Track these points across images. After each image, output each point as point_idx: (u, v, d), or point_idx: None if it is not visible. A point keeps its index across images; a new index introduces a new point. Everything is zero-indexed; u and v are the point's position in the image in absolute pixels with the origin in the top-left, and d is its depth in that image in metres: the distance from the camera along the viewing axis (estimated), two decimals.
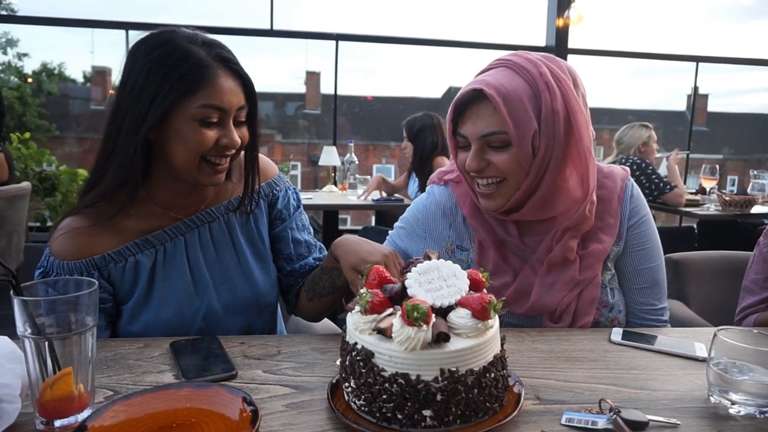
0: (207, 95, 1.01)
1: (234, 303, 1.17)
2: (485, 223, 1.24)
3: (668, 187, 3.66)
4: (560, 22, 5.22)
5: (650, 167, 3.71)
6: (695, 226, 4.22)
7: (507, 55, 1.17)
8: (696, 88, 6.52)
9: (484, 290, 0.82)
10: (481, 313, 0.74)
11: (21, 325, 0.71)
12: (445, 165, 4.22)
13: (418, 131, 3.66)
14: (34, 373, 0.72)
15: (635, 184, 1.29)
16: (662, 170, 4.34)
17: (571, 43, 5.34)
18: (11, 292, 0.72)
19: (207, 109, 1.01)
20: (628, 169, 1.31)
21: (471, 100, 1.12)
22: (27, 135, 4.43)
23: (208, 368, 0.91)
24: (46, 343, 0.71)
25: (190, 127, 1.02)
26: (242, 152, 1.15)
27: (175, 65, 0.99)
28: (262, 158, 1.26)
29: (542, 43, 5.45)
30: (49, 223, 4.31)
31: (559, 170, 1.13)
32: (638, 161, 3.70)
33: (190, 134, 1.02)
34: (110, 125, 1.05)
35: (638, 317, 1.25)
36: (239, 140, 1.07)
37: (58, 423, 0.73)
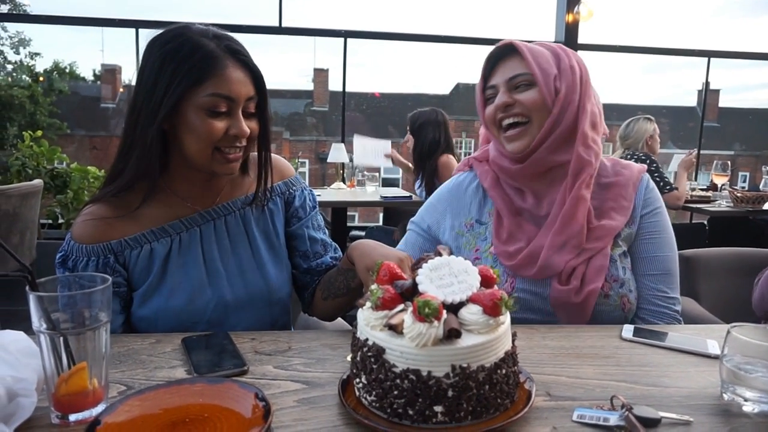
0: (215, 84, 1.04)
1: (246, 295, 1.18)
2: (503, 194, 1.33)
3: (668, 187, 3.64)
4: (570, 18, 5.19)
5: (654, 164, 3.69)
6: (706, 222, 4.18)
7: None
8: (707, 84, 6.46)
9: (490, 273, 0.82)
10: (492, 310, 0.74)
11: (36, 321, 0.72)
12: (451, 164, 4.23)
13: (420, 125, 3.64)
14: (50, 367, 0.73)
15: (651, 180, 1.36)
16: (672, 166, 4.32)
17: (581, 39, 5.31)
18: (27, 287, 0.73)
19: (215, 98, 1.04)
20: (645, 167, 1.38)
21: (500, 56, 1.27)
22: (39, 133, 4.46)
23: (220, 364, 0.92)
24: (61, 338, 0.72)
25: (199, 117, 1.05)
26: (255, 146, 1.17)
27: (186, 56, 1.03)
28: (280, 159, 1.31)
29: (551, 38, 5.42)
30: (61, 220, 4.35)
31: (576, 115, 1.24)
32: (643, 157, 3.68)
33: (199, 124, 1.05)
34: (129, 118, 1.09)
35: (650, 303, 1.27)
36: (248, 130, 1.09)
37: (73, 417, 0.74)
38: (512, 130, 1.25)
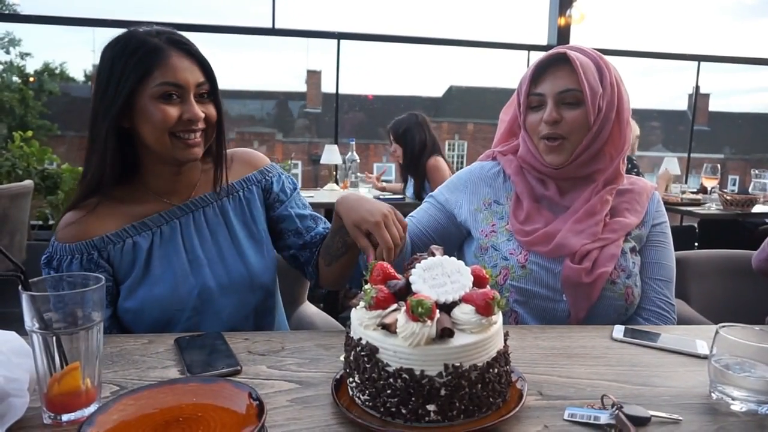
0: (163, 74, 1.10)
1: (228, 281, 1.21)
2: (526, 181, 1.38)
3: None
4: (562, 21, 5.22)
5: (635, 169, 3.74)
6: (696, 225, 4.22)
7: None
8: (697, 88, 6.52)
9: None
10: (485, 309, 0.75)
11: (29, 320, 0.72)
12: (441, 167, 4.22)
13: (404, 132, 3.65)
14: (42, 367, 0.73)
15: (660, 197, 1.45)
16: (663, 169, 4.36)
17: (573, 42, 5.34)
18: (19, 287, 0.72)
19: (165, 86, 1.10)
20: (656, 185, 1.50)
21: (551, 63, 1.30)
22: (29, 133, 4.43)
23: (213, 364, 0.92)
24: (54, 337, 0.72)
25: (153, 106, 1.10)
26: (215, 132, 1.21)
27: (133, 52, 1.10)
28: (252, 151, 1.37)
29: (544, 41, 5.45)
30: (51, 221, 4.31)
31: (610, 132, 1.30)
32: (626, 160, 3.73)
33: (154, 112, 1.10)
34: (91, 120, 1.14)
35: (656, 305, 1.32)
36: (201, 113, 1.13)
37: (65, 417, 0.73)
38: (551, 142, 1.29)
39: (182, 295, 1.16)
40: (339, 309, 1.36)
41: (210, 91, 1.17)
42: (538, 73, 1.31)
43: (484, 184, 1.43)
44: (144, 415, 0.66)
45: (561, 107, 1.28)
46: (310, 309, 1.72)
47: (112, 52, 1.11)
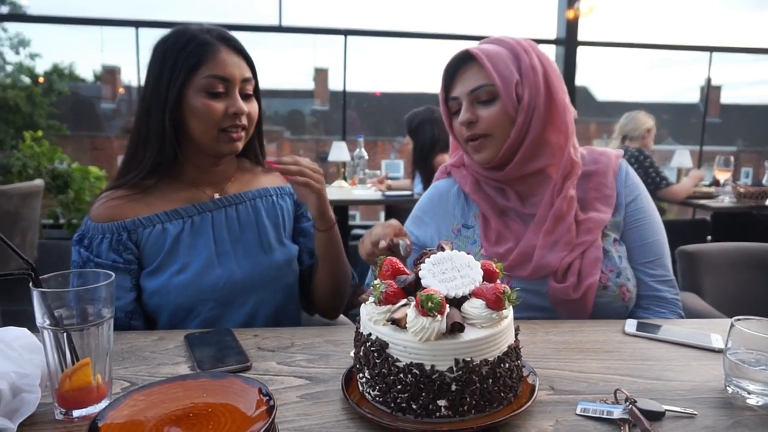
0: (211, 67, 1.14)
1: (254, 275, 1.23)
2: (486, 195, 1.32)
3: (664, 182, 3.65)
4: (570, 14, 5.17)
5: (648, 160, 3.70)
6: (709, 218, 4.17)
7: None
8: (709, 79, 6.43)
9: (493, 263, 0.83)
10: (495, 303, 0.74)
11: (40, 317, 0.72)
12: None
13: (417, 125, 3.62)
14: (53, 363, 0.73)
15: (628, 165, 1.36)
16: (674, 162, 4.31)
17: (582, 35, 5.30)
18: (30, 284, 0.73)
19: (211, 79, 1.14)
20: (622, 151, 1.37)
21: (459, 65, 1.25)
22: (40, 133, 4.46)
23: (223, 360, 0.92)
24: (65, 334, 0.72)
25: (200, 100, 1.14)
26: (254, 127, 1.25)
27: (184, 47, 1.14)
28: None
29: (552, 35, 5.40)
30: (62, 220, 4.34)
31: (543, 121, 1.22)
32: (636, 153, 3.68)
33: (200, 106, 1.14)
34: (140, 112, 1.18)
35: (652, 288, 1.27)
36: (245, 108, 1.18)
37: (76, 413, 0.74)
38: (474, 142, 1.24)
39: (207, 285, 1.18)
40: (348, 306, 1.36)
41: (254, 89, 1.22)
42: (449, 78, 1.27)
43: (448, 209, 1.37)
44: (154, 410, 0.66)
45: (476, 106, 1.22)
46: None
47: (164, 46, 1.16)
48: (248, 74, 1.19)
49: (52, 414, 0.75)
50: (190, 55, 1.13)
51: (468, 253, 1.26)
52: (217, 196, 1.25)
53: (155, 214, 1.18)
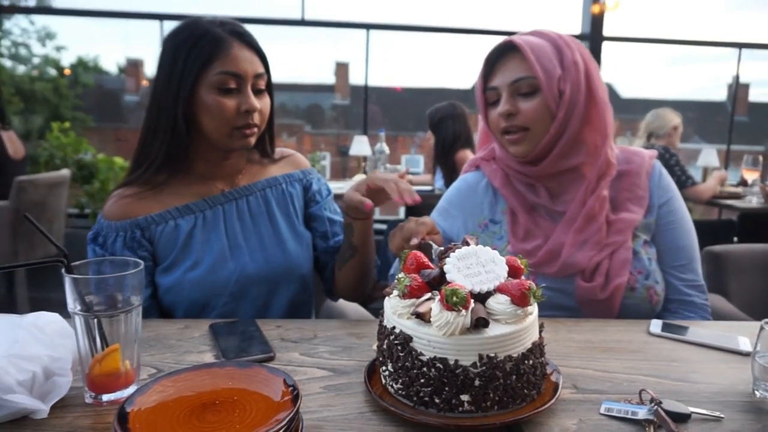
0: (223, 63, 1.12)
1: (267, 268, 1.22)
2: (515, 191, 1.30)
3: (690, 181, 3.59)
4: (596, 9, 5.09)
5: (674, 158, 3.63)
6: (735, 218, 4.09)
7: None
8: (737, 76, 6.28)
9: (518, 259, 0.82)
10: (520, 300, 0.74)
11: (71, 303, 0.74)
12: (468, 159, 4.15)
13: (439, 120, 3.60)
14: (84, 348, 0.75)
15: (662, 166, 1.33)
16: (700, 161, 4.23)
17: (607, 31, 5.21)
18: (63, 270, 0.74)
19: (224, 75, 1.12)
20: (656, 152, 1.34)
21: (500, 55, 1.23)
22: (67, 124, 4.55)
23: (247, 349, 0.93)
24: (95, 320, 0.74)
25: (212, 97, 1.13)
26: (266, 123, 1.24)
27: (196, 42, 1.12)
28: (297, 153, 1.41)
29: (578, 30, 5.33)
30: (87, 210, 4.43)
31: (582, 117, 1.20)
32: (662, 151, 3.62)
33: (212, 103, 1.13)
34: (151, 106, 1.17)
35: (681, 293, 1.25)
36: (258, 105, 1.16)
37: (105, 397, 0.75)
38: (512, 135, 1.22)
39: (221, 280, 1.18)
40: (368, 300, 1.35)
41: (266, 84, 1.20)
42: (490, 67, 1.24)
43: (476, 203, 1.36)
44: (182, 397, 0.67)
45: (516, 98, 1.20)
46: (341, 300, 1.72)
47: (175, 40, 1.14)
48: (261, 69, 1.18)
49: (82, 397, 0.77)
50: (202, 50, 1.12)
51: (494, 249, 1.28)
52: (227, 189, 1.25)
53: (167, 211, 1.19)
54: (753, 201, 3.59)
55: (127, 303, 0.77)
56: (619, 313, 1.20)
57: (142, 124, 1.19)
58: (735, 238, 3.91)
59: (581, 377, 0.88)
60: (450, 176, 3.61)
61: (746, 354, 0.98)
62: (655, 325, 1.11)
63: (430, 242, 1.04)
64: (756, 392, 0.84)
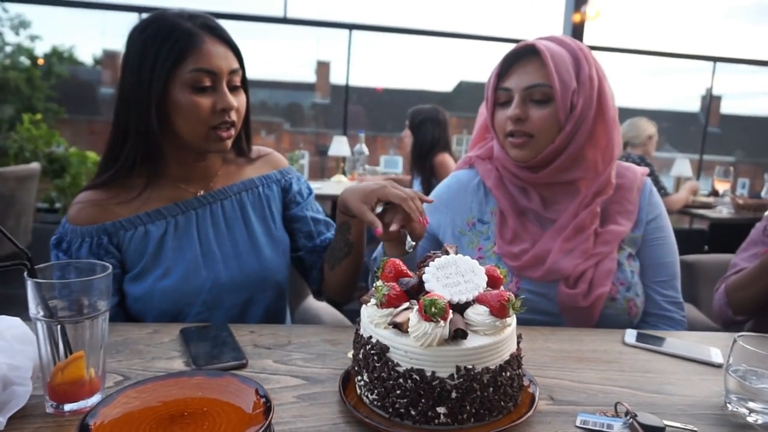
0: (196, 60, 1.07)
1: (241, 277, 1.18)
2: (508, 193, 1.29)
3: (662, 191, 3.66)
4: (577, 17, 5.15)
5: (649, 167, 3.70)
6: (707, 228, 4.18)
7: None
8: (711, 89, 6.43)
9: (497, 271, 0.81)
10: (499, 311, 0.73)
11: (33, 308, 0.71)
12: (448, 163, 4.11)
13: (420, 122, 3.59)
14: (46, 356, 0.71)
15: (653, 184, 1.34)
16: (674, 171, 4.31)
17: (587, 40, 5.28)
18: (25, 273, 0.71)
19: (197, 73, 1.07)
20: (647, 169, 1.35)
21: (519, 56, 1.21)
22: (39, 116, 4.42)
23: (218, 356, 0.91)
24: (59, 326, 0.71)
25: (185, 96, 1.07)
26: (242, 121, 1.19)
27: (166, 37, 1.06)
28: (274, 152, 1.36)
29: None
30: (58, 205, 4.31)
31: (589, 133, 1.21)
32: (638, 160, 3.69)
33: (186, 103, 1.07)
34: (119, 106, 1.11)
35: (662, 308, 1.26)
36: (234, 102, 1.11)
37: (68, 407, 0.72)
38: (516, 139, 1.21)
39: (193, 289, 1.14)
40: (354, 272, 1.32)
41: (241, 80, 1.15)
42: (506, 67, 1.23)
43: (465, 201, 1.34)
44: (148, 408, 0.65)
45: (528, 104, 1.19)
46: (315, 302, 1.71)
47: (142, 35, 1.08)
48: (235, 65, 1.12)
49: (42, 407, 0.73)
50: (173, 47, 1.05)
51: (479, 249, 1.29)
52: (201, 193, 1.20)
53: (137, 216, 1.13)
54: (723, 211, 3.67)
55: (94, 308, 0.73)
56: (598, 323, 1.21)
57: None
58: (706, 247, 4.00)
59: (557, 388, 0.88)
60: (428, 180, 3.61)
61: (718, 366, 1.00)
62: (630, 335, 1.11)
63: (407, 234, 1.05)
64: (728, 405, 0.85)
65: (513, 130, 1.20)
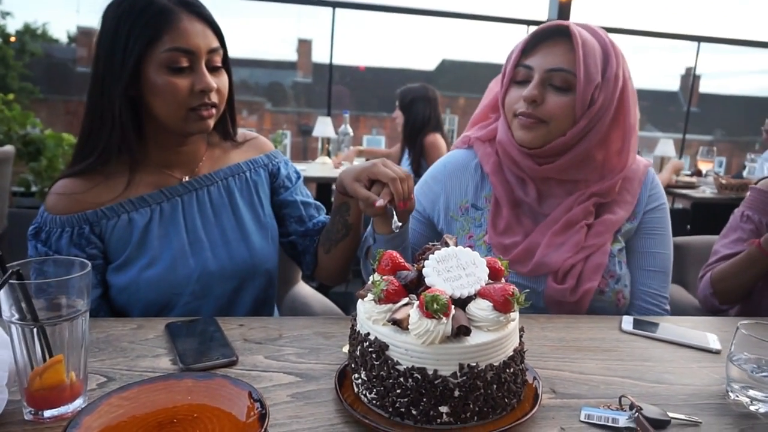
0: (172, 38, 1.01)
1: (230, 265, 1.14)
2: (505, 181, 1.24)
3: None
4: None
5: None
6: (689, 207, 4.21)
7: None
8: (695, 68, 6.44)
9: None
10: (503, 306, 0.70)
11: (7, 310, 0.66)
12: (439, 144, 4.07)
13: (411, 101, 3.56)
14: (22, 360, 0.67)
15: (656, 175, 1.31)
16: (658, 150, 4.32)
17: (573, 19, 5.23)
18: None
19: (174, 52, 1.01)
20: (651, 161, 1.32)
21: (548, 36, 1.15)
22: (11, 96, 4.26)
23: (207, 353, 0.87)
24: (36, 329, 0.66)
25: (161, 77, 1.02)
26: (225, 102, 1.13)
27: (140, 14, 1.00)
28: (260, 136, 1.31)
29: (544, 17, 5.33)
30: (34, 188, 4.17)
31: (604, 134, 1.16)
32: None
33: (163, 84, 1.02)
34: (92, 88, 1.05)
35: (641, 299, 1.24)
36: (214, 84, 1.05)
37: (48, 413, 0.68)
38: (525, 119, 1.14)
39: (181, 278, 1.09)
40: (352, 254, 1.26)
41: (222, 59, 1.09)
42: (533, 44, 1.16)
43: (461, 183, 1.28)
44: (134, 416, 0.61)
45: (547, 88, 1.13)
46: (304, 290, 1.67)
47: (116, 11, 1.02)
48: (215, 44, 1.06)
49: (20, 414, 0.69)
50: (147, 24, 0.99)
51: (470, 237, 1.25)
52: (186, 179, 1.15)
53: (119, 203, 1.08)
54: (706, 191, 3.70)
55: (73, 308, 0.69)
56: (586, 314, 1.19)
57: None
58: (688, 227, 4.04)
59: (558, 380, 0.86)
60: (417, 159, 3.57)
61: (716, 352, 0.99)
62: (627, 321, 1.10)
63: (393, 208, 1.03)
64: (730, 394, 0.84)
65: (524, 112, 1.14)
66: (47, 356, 0.67)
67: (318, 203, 1.32)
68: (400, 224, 1.04)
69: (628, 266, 1.24)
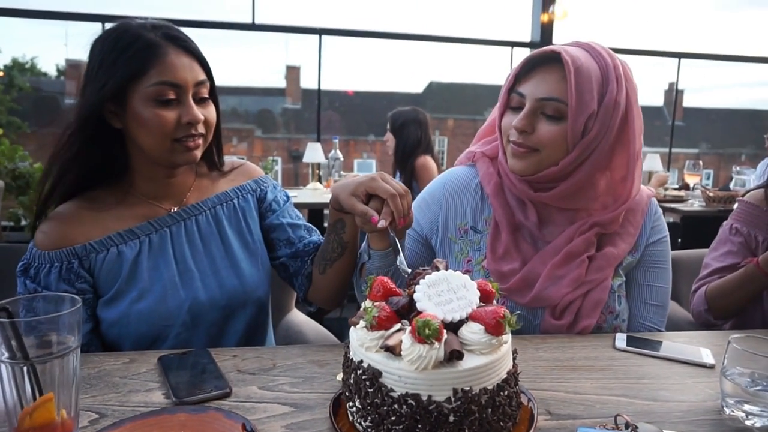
0: (159, 72, 1.02)
1: (221, 295, 1.13)
2: (506, 204, 1.21)
3: None
4: (545, 18, 5.20)
5: None
6: (679, 221, 4.25)
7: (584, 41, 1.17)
8: (677, 84, 6.57)
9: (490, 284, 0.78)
10: (495, 329, 0.70)
11: None
12: (430, 167, 4.09)
13: (402, 125, 3.60)
14: (12, 400, 0.66)
15: (658, 206, 1.29)
16: (647, 166, 4.38)
17: (556, 39, 5.34)
18: None
19: (161, 86, 1.02)
20: (654, 191, 1.32)
21: (542, 62, 1.12)
22: (0, 131, 4.27)
23: (200, 386, 0.86)
24: (26, 367, 0.65)
25: (148, 109, 1.02)
26: (212, 133, 1.14)
27: (126, 47, 1.02)
28: (248, 163, 1.32)
29: (527, 38, 5.43)
30: (24, 222, 4.15)
31: (601, 163, 1.13)
32: None
33: (149, 116, 1.02)
34: (74, 117, 1.06)
35: (638, 332, 1.21)
36: (201, 115, 1.06)
37: None
38: (517, 147, 1.12)
39: (171, 310, 1.09)
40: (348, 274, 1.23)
41: (210, 91, 1.10)
42: (527, 69, 1.13)
43: (461, 203, 1.25)
44: None
45: (539, 117, 1.10)
46: (298, 317, 1.66)
47: (102, 45, 1.03)
48: (202, 76, 1.07)
49: None
50: (132, 57, 1.00)
51: (468, 261, 1.23)
52: (175, 209, 1.15)
53: (108, 237, 1.08)
54: (695, 204, 3.74)
55: (63, 345, 0.68)
56: None
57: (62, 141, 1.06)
58: (679, 240, 4.07)
59: (554, 401, 0.86)
60: (409, 182, 3.60)
61: (710, 367, 0.99)
62: (620, 339, 1.10)
63: (394, 236, 1.00)
64: (725, 409, 0.84)
65: (516, 141, 1.12)
66: (38, 395, 0.66)
67: (309, 225, 1.31)
68: (408, 270, 0.94)
69: (626, 298, 1.22)
